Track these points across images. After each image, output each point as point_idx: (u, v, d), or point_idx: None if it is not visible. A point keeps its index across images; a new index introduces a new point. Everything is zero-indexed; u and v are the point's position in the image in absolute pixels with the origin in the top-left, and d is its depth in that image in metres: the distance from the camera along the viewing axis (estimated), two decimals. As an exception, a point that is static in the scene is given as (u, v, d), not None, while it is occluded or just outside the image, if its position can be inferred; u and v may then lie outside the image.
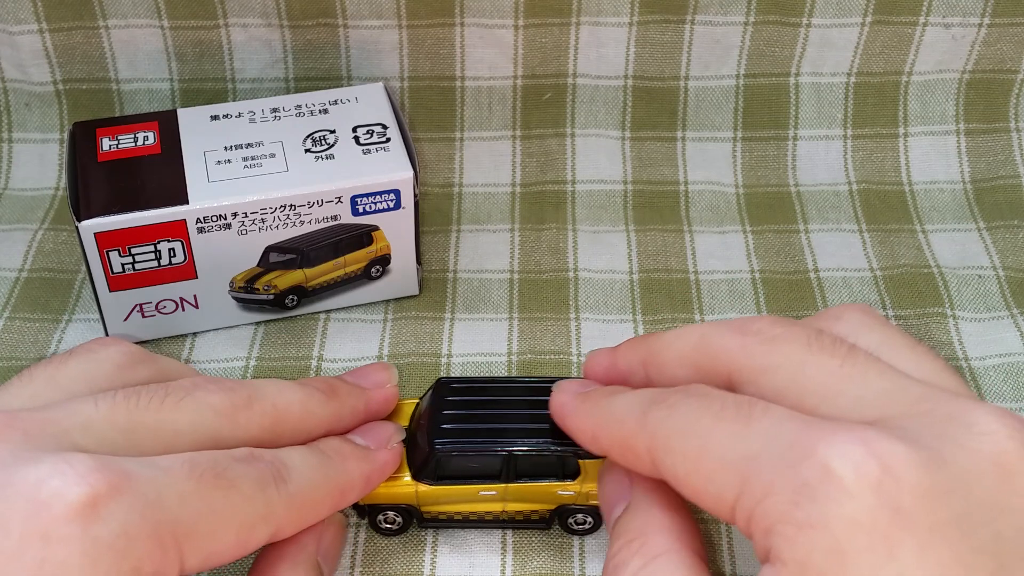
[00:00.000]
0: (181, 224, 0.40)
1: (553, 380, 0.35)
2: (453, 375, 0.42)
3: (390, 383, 0.35)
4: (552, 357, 0.43)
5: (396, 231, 0.43)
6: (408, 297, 0.45)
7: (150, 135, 0.42)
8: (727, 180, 0.51)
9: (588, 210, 0.50)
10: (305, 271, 0.43)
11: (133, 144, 0.42)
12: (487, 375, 0.42)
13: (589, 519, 0.36)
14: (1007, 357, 0.43)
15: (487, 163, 0.51)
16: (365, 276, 0.44)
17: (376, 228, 0.42)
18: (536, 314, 0.45)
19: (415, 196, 0.42)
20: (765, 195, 0.50)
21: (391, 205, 0.42)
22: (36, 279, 0.46)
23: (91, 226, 0.39)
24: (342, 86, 0.49)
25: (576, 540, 0.37)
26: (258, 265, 0.42)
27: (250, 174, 0.41)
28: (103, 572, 0.24)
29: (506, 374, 0.42)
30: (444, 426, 0.34)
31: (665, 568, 0.28)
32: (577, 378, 0.34)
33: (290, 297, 0.43)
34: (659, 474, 0.28)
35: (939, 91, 0.51)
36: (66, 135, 0.50)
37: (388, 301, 0.45)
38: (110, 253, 0.40)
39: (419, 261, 0.45)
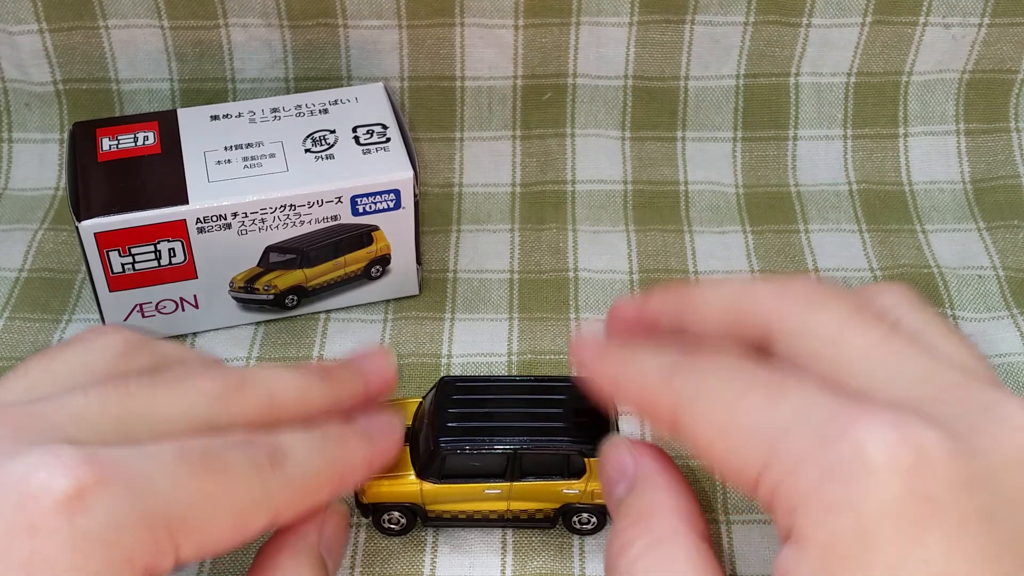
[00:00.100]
0: (181, 224, 0.40)
1: (557, 379, 0.36)
2: (455, 374, 0.42)
3: (388, 367, 0.35)
4: (552, 357, 0.43)
5: (396, 231, 0.43)
6: (408, 297, 0.45)
7: (150, 135, 0.42)
8: (727, 180, 0.51)
9: (588, 210, 0.50)
10: (305, 271, 0.43)
11: (133, 144, 0.42)
12: (491, 374, 0.42)
13: (593, 519, 0.36)
14: (1007, 357, 0.43)
15: (487, 163, 0.51)
16: (365, 276, 0.44)
17: (376, 228, 0.42)
18: (536, 314, 0.45)
19: (415, 196, 0.42)
20: (765, 195, 0.50)
21: (391, 205, 0.42)
22: (36, 279, 0.46)
23: (91, 226, 0.39)
24: (342, 86, 0.49)
25: (576, 540, 0.37)
26: (258, 265, 0.42)
27: (250, 174, 0.41)
28: (93, 564, 0.23)
29: (507, 374, 0.42)
30: (449, 424, 0.34)
31: (671, 549, 0.28)
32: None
33: (290, 297, 0.43)
34: (679, 435, 0.28)
35: (939, 91, 0.51)
36: (66, 135, 0.50)
37: (388, 301, 0.45)
38: (110, 253, 0.40)
39: (419, 261, 0.45)
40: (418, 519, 0.36)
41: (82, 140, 0.42)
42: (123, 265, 0.40)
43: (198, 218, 0.40)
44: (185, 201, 0.40)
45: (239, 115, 0.43)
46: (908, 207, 0.50)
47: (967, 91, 0.51)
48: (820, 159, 0.51)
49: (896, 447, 0.23)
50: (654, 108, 0.51)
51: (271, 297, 0.43)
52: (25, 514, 0.23)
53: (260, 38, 0.49)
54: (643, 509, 0.29)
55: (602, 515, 0.36)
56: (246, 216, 0.40)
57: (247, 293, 0.43)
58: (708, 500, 0.38)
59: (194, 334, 0.44)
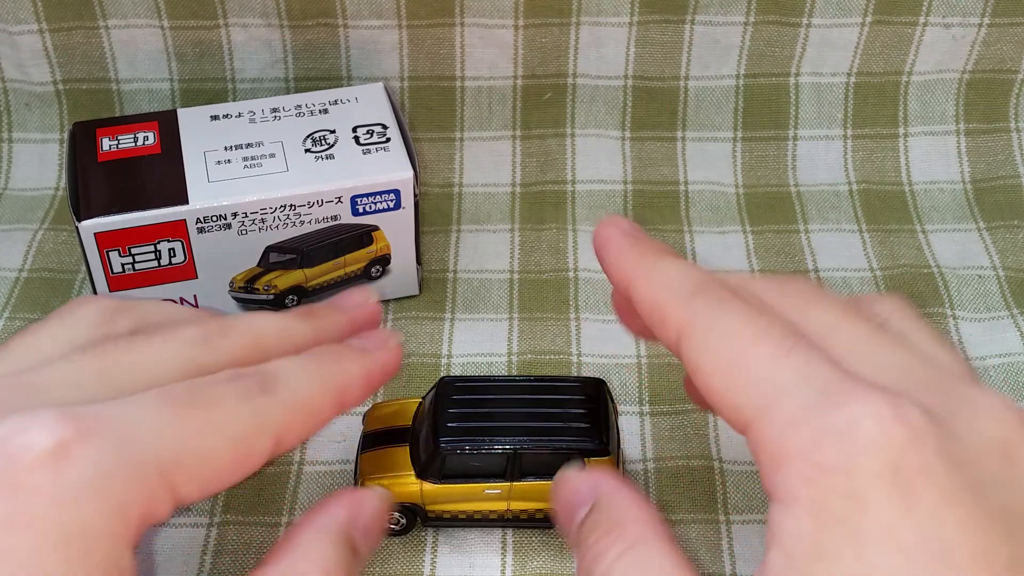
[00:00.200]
0: (181, 224, 0.40)
1: (557, 379, 0.36)
2: (455, 374, 0.42)
3: (369, 299, 0.34)
4: (552, 357, 0.43)
5: (396, 231, 0.43)
6: (408, 297, 0.45)
7: (150, 135, 0.42)
8: (727, 180, 0.51)
9: (588, 210, 0.50)
10: (305, 271, 0.43)
11: (133, 144, 0.42)
12: (491, 374, 0.42)
13: None
14: (1007, 357, 0.43)
15: (487, 163, 0.51)
16: (365, 276, 0.44)
17: (376, 228, 0.42)
18: (536, 314, 0.45)
19: (415, 196, 0.42)
20: (765, 195, 0.50)
21: (391, 205, 0.42)
22: (36, 279, 0.46)
23: (91, 226, 0.39)
24: (342, 86, 0.49)
25: (576, 540, 0.37)
26: (258, 265, 0.42)
27: (250, 174, 0.41)
28: (81, 516, 0.23)
29: (507, 374, 0.42)
30: (449, 424, 0.34)
31: (645, 553, 0.28)
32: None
33: (290, 297, 0.43)
34: (678, 353, 0.28)
35: (939, 91, 0.51)
36: (66, 135, 0.50)
37: (388, 301, 0.45)
38: (110, 253, 0.40)
39: (419, 261, 0.45)
40: (418, 519, 0.36)
41: (82, 140, 0.42)
42: (123, 265, 0.40)
43: (198, 218, 0.40)
44: (185, 201, 0.40)
45: (239, 115, 0.43)
46: (908, 207, 0.50)
47: (967, 91, 0.51)
48: (820, 159, 0.51)
49: (891, 423, 0.24)
50: (654, 108, 0.51)
51: (271, 297, 0.43)
52: (6, 474, 0.23)
53: (260, 38, 0.49)
54: (612, 520, 0.29)
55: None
56: (246, 216, 0.40)
57: (247, 293, 0.43)
58: (708, 500, 0.38)
59: (194, 334, 0.44)
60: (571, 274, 0.47)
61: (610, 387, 0.37)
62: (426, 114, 0.51)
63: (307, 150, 0.42)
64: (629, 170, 0.51)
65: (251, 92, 0.50)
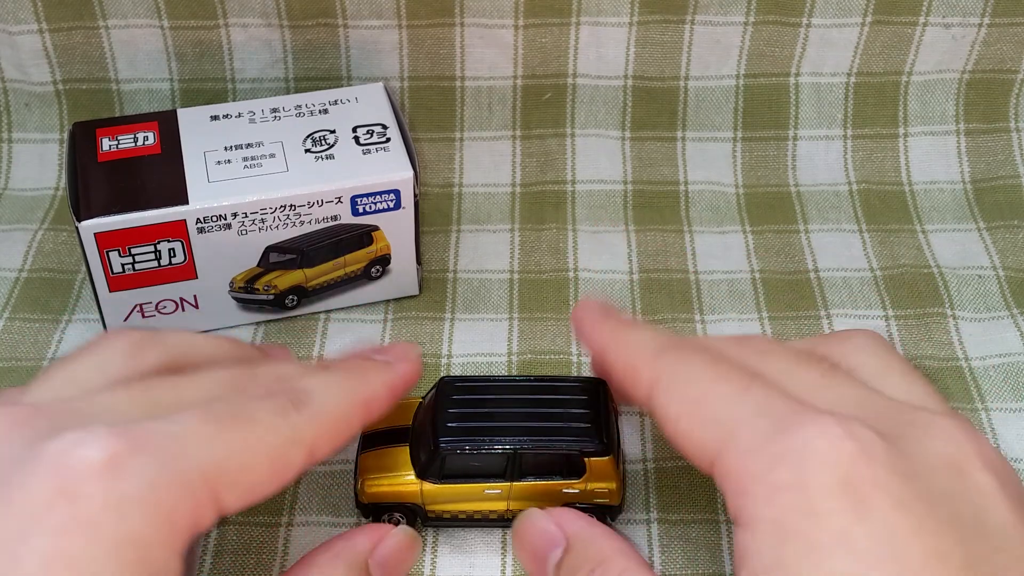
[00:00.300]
0: (181, 224, 0.40)
1: (557, 379, 0.36)
2: (455, 374, 0.42)
3: (413, 354, 0.35)
4: (552, 357, 0.43)
5: (396, 231, 0.43)
6: (408, 297, 0.45)
7: (150, 135, 0.42)
8: (727, 180, 0.51)
9: (588, 210, 0.50)
10: (305, 271, 0.43)
11: (133, 144, 0.42)
12: (490, 374, 0.42)
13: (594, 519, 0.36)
14: (1007, 357, 0.43)
15: (487, 163, 0.51)
16: (365, 276, 0.44)
17: (376, 228, 0.42)
18: (536, 314, 0.45)
19: (415, 196, 0.42)
20: (765, 195, 0.50)
21: (391, 205, 0.42)
22: (36, 279, 0.46)
23: (91, 226, 0.39)
24: (342, 86, 0.49)
25: (576, 540, 0.37)
26: (258, 265, 0.42)
27: (250, 174, 0.41)
28: (133, 525, 0.24)
29: (507, 374, 0.42)
30: (449, 425, 0.34)
31: None
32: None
33: (290, 297, 0.43)
34: (651, 408, 0.30)
35: (939, 91, 0.51)
36: (66, 135, 0.50)
37: (388, 301, 0.45)
38: (110, 253, 0.40)
39: (419, 261, 0.45)
40: (418, 519, 0.36)
41: (82, 140, 0.42)
42: (123, 265, 0.40)
43: (198, 218, 0.40)
44: (185, 201, 0.40)
45: (239, 115, 0.43)
46: (908, 207, 0.50)
47: (967, 91, 0.51)
48: (820, 159, 0.51)
49: (841, 440, 0.26)
50: (654, 108, 0.51)
51: (271, 297, 0.43)
52: (63, 483, 0.24)
53: (260, 38, 0.49)
54: (592, 557, 0.31)
55: (603, 515, 0.36)
56: (246, 216, 0.40)
57: (247, 293, 0.43)
58: (708, 500, 0.38)
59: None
60: (571, 274, 0.47)
61: (610, 387, 0.37)
62: (426, 114, 0.51)
63: (307, 150, 0.42)
64: (629, 170, 0.51)
65: (251, 92, 0.50)
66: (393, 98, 0.45)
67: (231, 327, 0.44)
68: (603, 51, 0.50)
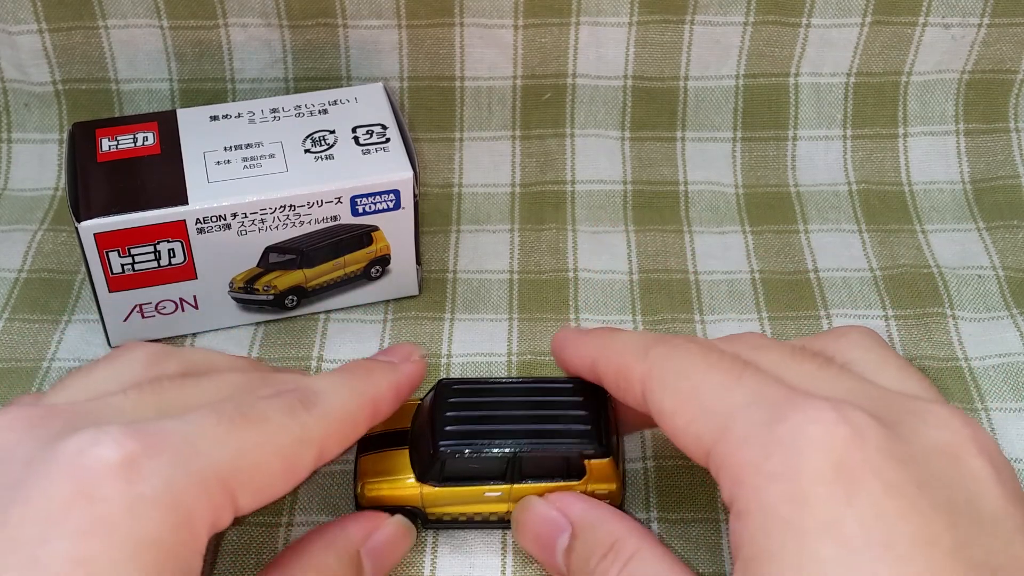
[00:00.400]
0: (181, 224, 0.40)
1: (556, 380, 0.36)
2: (454, 376, 0.42)
3: (417, 355, 0.36)
4: (552, 358, 0.43)
5: (396, 231, 0.43)
6: (408, 297, 0.45)
7: (150, 135, 0.42)
8: (727, 180, 0.51)
9: (588, 210, 0.50)
10: (305, 271, 0.43)
11: (133, 144, 0.42)
12: (489, 376, 0.42)
13: None
14: (1007, 357, 0.43)
15: (487, 163, 0.51)
16: (365, 276, 0.44)
17: (376, 228, 0.42)
18: (536, 314, 0.45)
19: (415, 196, 0.42)
20: (765, 195, 0.50)
21: (391, 205, 0.42)
22: (36, 279, 0.46)
23: (91, 226, 0.39)
24: (342, 86, 0.49)
25: (576, 540, 0.37)
26: (258, 265, 0.42)
27: (250, 174, 0.41)
28: (152, 525, 0.24)
29: (506, 375, 0.42)
30: (448, 428, 0.34)
31: (646, 562, 0.30)
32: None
33: (290, 297, 0.43)
34: (645, 405, 0.30)
35: (939, 91, 0.51)
36: (66, 135, 0.50)
37: (388, 301, 0.45)
38: (110, 254, 0.40)
39: (419, 261, 0.45)
40: (418, 522, 0.36)
41: (81, 140, 0.42)
42: (123, 266, 0.40)
43: (198, 218, 0.40)
44: (185, 201, 0.40)
45: (239, 115, 0.43)
46: (908, 207, 0.50)
47: (967, 91, 0.51)
48: (820, 159, 0.51)
49: (833, 425, 0.26)
50: (654, 108, 0.51)
51: (271, 297, 0.43)
52: (80, 484, 0.25)
53: (260, 38, 0.49)
54: (603, 541, 0.31)
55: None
56: (246, 216, 0.40)
57: (247, 293, 0.43)
58: (708, 500, 0.38)
59: (194, 335, 0.44)
60: (571, 274, 0.47)
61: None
62: (426, 114, 0.51)
63: (307, 150, 0.42)
64: (629, 170, 0.51)
65: (251, 92, 0.50)
66: (393, 98, 0.45)
67: (231, 327, 0.44)
68: (603, 51, 0.50)
